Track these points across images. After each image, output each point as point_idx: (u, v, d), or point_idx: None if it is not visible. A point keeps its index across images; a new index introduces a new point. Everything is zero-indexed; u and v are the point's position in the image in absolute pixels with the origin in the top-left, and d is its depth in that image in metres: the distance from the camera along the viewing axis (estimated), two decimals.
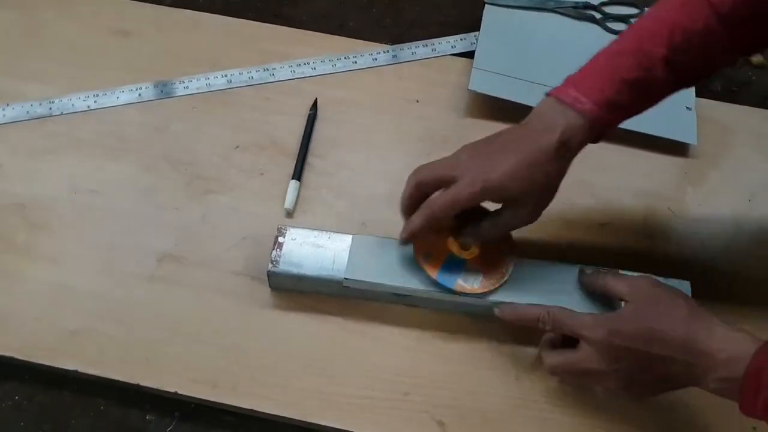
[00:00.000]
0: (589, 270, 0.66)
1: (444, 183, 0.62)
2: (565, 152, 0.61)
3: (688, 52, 0.60)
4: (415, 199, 0.64)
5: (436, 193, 0.63)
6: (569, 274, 0.67)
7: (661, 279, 0.67)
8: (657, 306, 0.58)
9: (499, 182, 0.60)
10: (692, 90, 0.85)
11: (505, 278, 0.66)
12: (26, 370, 0.69)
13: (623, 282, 0.62)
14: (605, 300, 0.66)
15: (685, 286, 0.67)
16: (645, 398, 0.63)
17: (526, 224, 0.64)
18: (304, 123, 0.82)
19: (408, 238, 0.64)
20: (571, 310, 0.62)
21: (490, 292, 0.66)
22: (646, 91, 0.62)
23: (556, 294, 0.66)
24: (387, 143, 0.82)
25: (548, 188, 0.62)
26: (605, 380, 0.59)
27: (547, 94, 0.62)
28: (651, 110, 0.84)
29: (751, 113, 0.86)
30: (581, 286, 0.66)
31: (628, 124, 0.81)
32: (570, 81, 0.62)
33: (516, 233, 0.67)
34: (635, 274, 0.65)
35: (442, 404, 0.66)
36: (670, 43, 0.60)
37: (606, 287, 0.63)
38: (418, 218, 0.63)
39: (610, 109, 0.60)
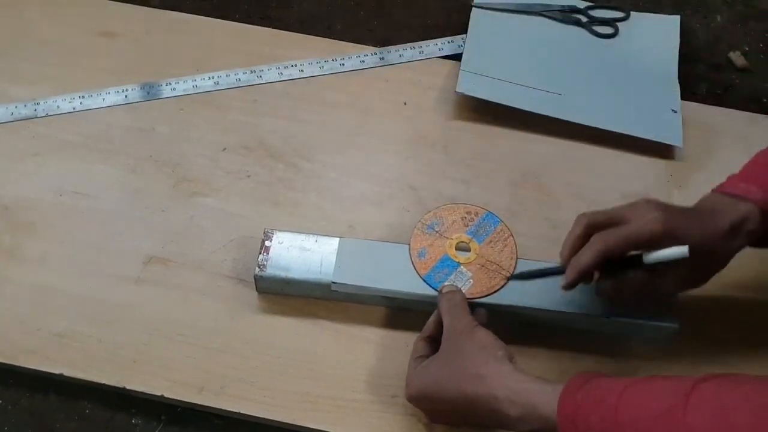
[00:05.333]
0: (446, 287, 0.66)
1: (618, 223, 0.60)
2: (735, 236, 0.60)
3: None
4: (583, 241, 0.60)
5: (611, 229, 0.60)
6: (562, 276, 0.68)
7: None
8: (452, 361, 0.58)
9: (685, 228, 0.58)
10: (677, 93, 0.86)
11: (495, 290, 0.67)
12: (10, 374, 0.68)
13: (447, 316, 0.62)
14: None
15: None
16: None
17: (671, 293, 0.63)
18: (291, 125, 0.82)
19: (576, 278, 0.59)
20: (416, 350, 0.63)
21: (475, 299, 0.66)
22: None
23: (547, 294, 0.66)
24: (374, 145, 0.82)
25: (710, 264, 0.61)
26: None
27: (713, 191, 0.63)
28: (637, 112, 0.85)
29: (735, 116, 0.87)
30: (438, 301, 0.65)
31: (614, 126, 0.83)
32: (734, 177, 0.63)
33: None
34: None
35: None
36: None
37: (439, 306, 0.64)
38: (588, 253, 0.59)
39: None
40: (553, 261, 0.70)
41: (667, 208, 0.60)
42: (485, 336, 0.59)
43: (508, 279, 0.67)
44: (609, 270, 0.62)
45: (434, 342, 0.63)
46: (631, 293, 0.62)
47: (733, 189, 0.62)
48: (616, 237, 0.59)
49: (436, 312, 0.65)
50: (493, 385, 0.55)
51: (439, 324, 0.64)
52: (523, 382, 0.55)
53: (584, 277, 0.60)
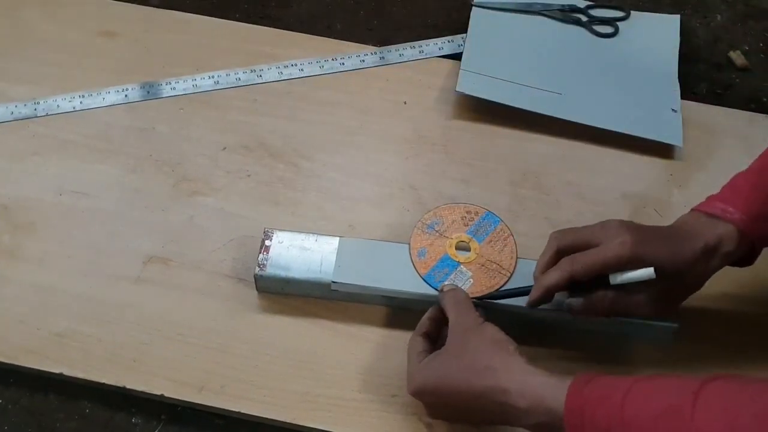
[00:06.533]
0: (447, 286, 0.66)
1: (587, 244, 0.61)
2: (710, 258, 0.60)
3: None
4: (554, 262, 0.62)
5: (579, 254, 0.61)
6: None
7: None
8: (460, 356, 0.58)
9: (653, 251, 0.59)
10: (677, 92, 0.86)
11: (495, 290, 0.67)
12: (11, 374, 0.68)
13: (452, 312, 0.62)
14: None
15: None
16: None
17: (650, 314, 0.62)
18: (291, 125, 0.82)
19: (542, 296, 0.61)
20: (416, 344, 0.62)
21: (475, 298, 0.66)
22: None
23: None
24: (374, 145, 0.82)
25: (682, 286, 0.62)
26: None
27: (692, 210, 0.63)
28: (636, 112, 0.85)
29: (735, 115, 0.87)
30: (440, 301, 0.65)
31: (614, 126, 0.83)
32: (713, 197, 0.63)
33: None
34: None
35: None
36: None
37: (442, 304, 0.64)
38: (554, 275, 0.61)
39: (760, 219, 0.60)
40: None
41: (638, 230, 0.60)
42: (495, 331, 0.59)
43: (477, 303, 0.65)
44: (577, 288, 0.62)
45: (431, 338, 0.63)
46: (602, 312, 0.62)
47: (711, 209, 0.62)
48: (584, 263, 0.60)
49: (431, 309, 0.65)
50: (504, 377, 0.55)
51: (435, 321, 0.64)
52: (535, 374, 0.55)
53: (549, 296, 0.62)
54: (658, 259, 0.59)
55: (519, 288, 0.66)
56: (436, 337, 0.64)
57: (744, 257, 0.63)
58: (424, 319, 0.64)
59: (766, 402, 0.45)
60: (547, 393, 0.53)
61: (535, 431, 0.55)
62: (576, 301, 0.62)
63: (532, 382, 0.54)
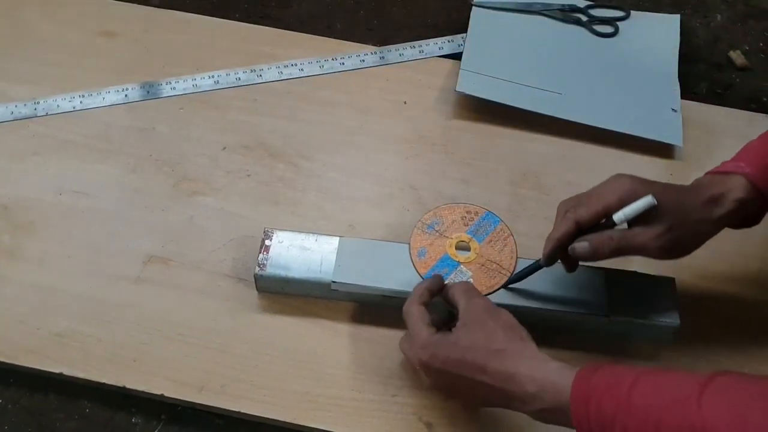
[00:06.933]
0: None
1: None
2: (716, 205, 0.61)
3: None
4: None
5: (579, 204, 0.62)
6: (563, 274, 0.68)
7: (645, 276, 0.68)
8: (475, 334, 0.58)
9: (651, 187, 0.60)
10: (677, 92, 0.86)
11: (496, 289, 0.67)
12: (11, 373, 0.68)
13: (464, 297, 0.62)
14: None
15: (669, 282, 0.68)
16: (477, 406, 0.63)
17: (651, 253, 0.61)
18: (291, 124, 0.82)
19: (553, 249, 0.62)
20: (423, 315, 0.61)
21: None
22: None
23: (550, 293, 0.67)
24: (374, 145, 0.82)
25: (688, 225, 0.61)
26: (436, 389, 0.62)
27: (705, 174, 0.64)
28: (636, 111, 0.85)
29: (735, 115, 0.87)
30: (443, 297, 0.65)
31: (614, 126, 0.83)
32: (725, 161, 0.64)
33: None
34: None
35: (430, 405, 0.66)
36: None
37: (448, 297, 0.63)
38: (561, 225, 0.62)
39: None
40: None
41: (637, 177, 0.62)
42: (510, 317, 0.60)
43: (505, 286, 0.67)
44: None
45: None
46: (608, 253, 0.61)
47: (722, 168, 0.63)
48: (587, 207, 0.61)
49: (430, 281, 0.64)
50: (515, 361, 0.56)
51: (432, 293, 0.63)
52: (545, 361, 0.56)
53: (561, 249, 0.62)
54: (658, 192, 0.60)
55: (528, 267, 0.66)
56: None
57: (754, 213, 0.63)
58: (423, 290, 0.63)
59: None
60: (555, 379, 0.54)
61: (538, 418, 0.55)
62: (581, 246, 0.61)
63: (542, 368, 0.55)
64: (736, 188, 0.61)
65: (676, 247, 0.62)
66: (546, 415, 0.54)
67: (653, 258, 0.62)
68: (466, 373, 0.57)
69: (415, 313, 0.61)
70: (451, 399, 0.64)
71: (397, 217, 0.76)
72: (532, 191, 0.79)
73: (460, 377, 0.58)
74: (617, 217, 0.60)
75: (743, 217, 0.63)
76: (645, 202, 0.59)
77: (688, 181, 0.80)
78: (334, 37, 0.92)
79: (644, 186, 0.61)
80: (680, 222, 0.61)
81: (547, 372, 0.54)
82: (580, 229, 0.61)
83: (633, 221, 0.60)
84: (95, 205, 0.76)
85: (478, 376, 0.57)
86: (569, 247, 0.62)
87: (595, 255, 0.61)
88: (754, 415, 0.45)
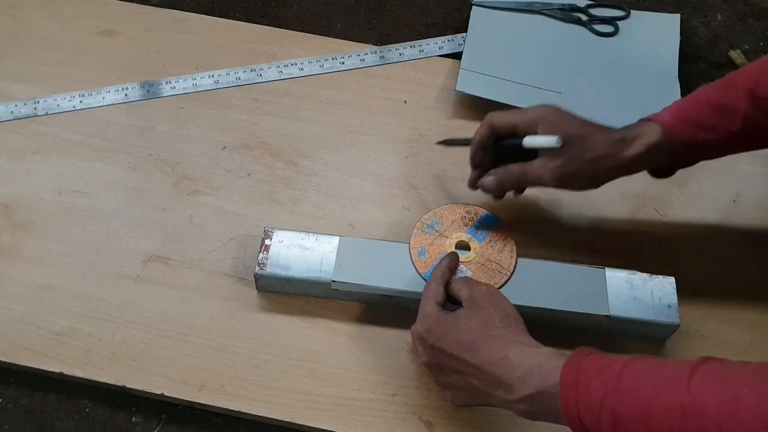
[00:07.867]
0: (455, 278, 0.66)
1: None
2: (625, 146, 0.64)
3: None
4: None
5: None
6: (563, 274, 0.68)
7: (645, 275, 0.68)
8: (473, 318, 0.59)
9: (570, 122, 0.65)
10: (678, 91, 0.86)
11: (497, 288, 0.67)
12: (11, 373, 0.68)
13: (466, 288, 0.62)
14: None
15: (669, 281, 0.68)
16: (461, 405, 0.62)
17: (547, 183, 0.65)
18: (291, 124, 0.82)
19: (475, 152, 0.69)
20: (437, 294, 0.62)
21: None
22: (728, 116, 0.64)
23: (550, 292, 0.67)
24: (374, 144, 0.82)
25: (587, 160, 0.64)
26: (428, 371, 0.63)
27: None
28: (637, 111, 0.85)
29: None
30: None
31: (615, 124, 0.82)
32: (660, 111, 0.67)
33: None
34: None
35: (429, 405, 0.66)
36: (755, 79, 0.63)
37: (452, 291, 0.64)
38: (480, 129, 0.68)
39: (688, 123, 0.64)
40: (553, 260, 0.70)
41: (566, 112, 0.66)
42: (512, 307, 0.61)
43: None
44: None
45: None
46: (510, 183, 0.68)
47: (648, 116, 0.66)
48: (504, 116, 0.67)
49: (449, 259, 0.66)
50: (507, 346, 0.56)
51: (453, 272, 0.65)
52: (537, 347, 0.56)
53: (481, 153, 0.69)
54: (569, 128, 0.65)
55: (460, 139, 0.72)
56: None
57: (667, 164, 0.67)
58: (445, 269, 0.65)
59: (765, 374, 0.45)
60: (544, 361, 0.54)
61: (521, 410, 0.55)
62: (488, 179, 0.68)
63: (533, 352, 0.55)
64: (649, 133, 0.65)
65: (574, 179, 0.66)
66: (534, 401, 0.54)
67: (552, 188, 0.67)
68: (458, 353, 0.57)
69: (430, 289, 0.63)
70: (441, 387, 0.62)
71: (398, 217, 0.76)
72: (532, 191, 0.79)
73: (451, 356, 0.58)
74: (525, 142, 0.65)
75: (657, 165, 0.68)
76: (549, 140, 0.64)
77: (687, 180, 0.81)
78: (334, 37, 0.92)
79: (564, 121, 0.65)
80: (578, 156, 0.64)
81: (538, 355, 0.55)
82: (497, 136, 0.67)
83: (541, 152, 0.65)
84: (95, 204, 0.76)
85: (469, 357, 0.57)
86: (478, 182, 0.69)
87: (501, 186, 0.68)
88: (743, 395, 0.45)
